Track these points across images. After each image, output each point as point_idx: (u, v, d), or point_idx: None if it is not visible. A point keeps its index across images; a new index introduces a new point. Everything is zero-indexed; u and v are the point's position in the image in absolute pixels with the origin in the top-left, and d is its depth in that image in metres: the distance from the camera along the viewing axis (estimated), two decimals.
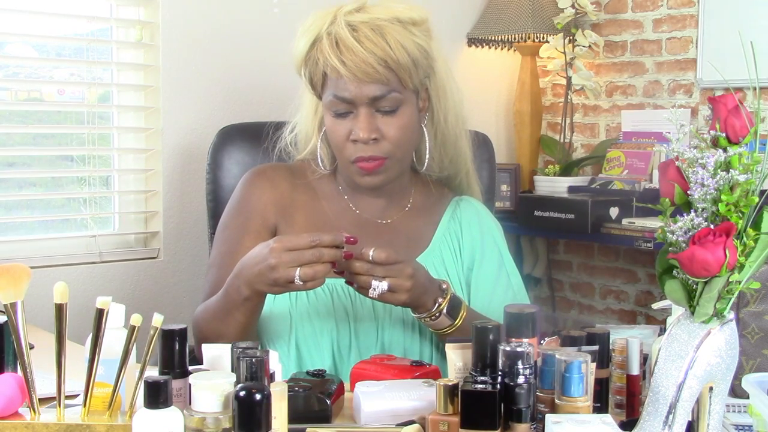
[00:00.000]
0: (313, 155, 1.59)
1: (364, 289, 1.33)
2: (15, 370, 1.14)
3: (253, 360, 0.97)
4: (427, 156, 1.56)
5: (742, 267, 0.94)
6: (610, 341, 1.15)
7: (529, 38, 2.99)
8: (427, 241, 1.57)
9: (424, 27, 1.48)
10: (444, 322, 1.40)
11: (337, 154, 1.52)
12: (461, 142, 1.61)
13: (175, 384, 1.03)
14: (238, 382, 0.96)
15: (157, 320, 1.03)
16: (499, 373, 1.03)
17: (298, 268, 1.28)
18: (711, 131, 0.97)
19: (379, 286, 1.31)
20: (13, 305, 1.05)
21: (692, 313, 0.97)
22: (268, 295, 1.40)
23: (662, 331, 1.44)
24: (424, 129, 1.55)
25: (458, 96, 1.59)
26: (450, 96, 1.57)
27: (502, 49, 3.10)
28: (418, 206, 1.60)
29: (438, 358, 1.48)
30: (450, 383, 1.04)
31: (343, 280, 1.49)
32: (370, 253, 1.31)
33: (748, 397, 1.15)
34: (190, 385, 0.97)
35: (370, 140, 1.45)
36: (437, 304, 1.38)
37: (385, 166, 1.48)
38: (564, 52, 2.94)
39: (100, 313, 1.03)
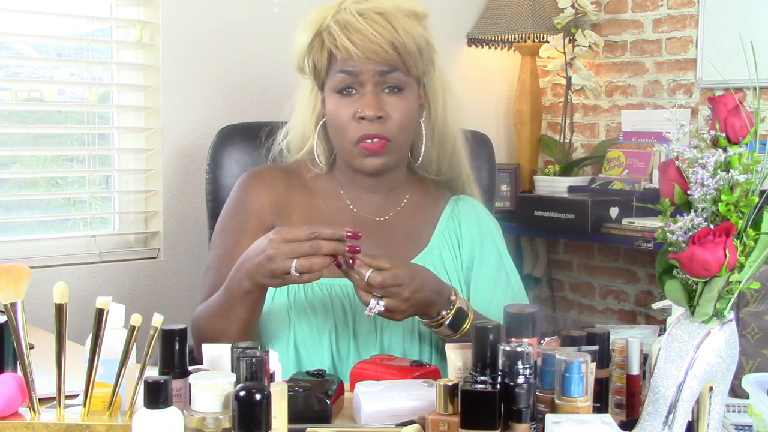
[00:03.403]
0: (309, 155, 1.59)
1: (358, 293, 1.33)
2: (15, 370, 1.14)
3: (253, 360, 0.97)
4: (423, 150, 1.56)
5: (742, 267, 0.94)
6: (610, 341, 1.15)
7: (529, 38, 2.99)
8: (426, 240, 1.57)
9: (424, 22, 1.52)
10: (444, 332, 1.40)
11: (340, 137, 1.51)
12: (459, 145, 1.61)
13: (175, 384, 1.03)
14: (238, 382, 0.96)
15: (157, 320, 1.03)
16: (499, 373, 1.03)
17: (295, 260, 1.28)
18: (711, 131, 0.97)
19: (376, 306, 1.32)
20: (13, 305, 1.05)
21: (692, 313, 0.97)
22: (267, 295, 1.41)
23: (662, 331, 1.44)
24: (423, 125, 1.55)
25: (456, 99, 1.60)
26: (448, 96, 1.58)
27: (502, 49, 3.10)
28: (415, 203, 1.60)
29: (437, 359, 1.48)
30: (450, 383, 1.04)
31: (343, 279, 1.48)
32: (366, 274, 1.30)
33: (748, 397, 1.15)
34: (190, 385, 0.97)
35: (375, 118, 1.46)
36: (440, 316, 1.38)
37: (387, 147, 1.48)
38: (564, 52, 2.94)
39: (100, 313, 1.03)
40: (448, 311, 1.38)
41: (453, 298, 1.39)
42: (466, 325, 1.40)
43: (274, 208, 1.55)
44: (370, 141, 1.47)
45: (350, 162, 1.52)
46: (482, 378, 1.02)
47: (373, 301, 1.31)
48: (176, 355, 1.07)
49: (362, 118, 1.46)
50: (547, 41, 2.98)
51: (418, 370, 1.28)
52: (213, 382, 0.94)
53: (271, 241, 1.29)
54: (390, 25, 1.45)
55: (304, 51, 1.51)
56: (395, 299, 1.31)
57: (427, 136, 1.56)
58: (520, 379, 1.01)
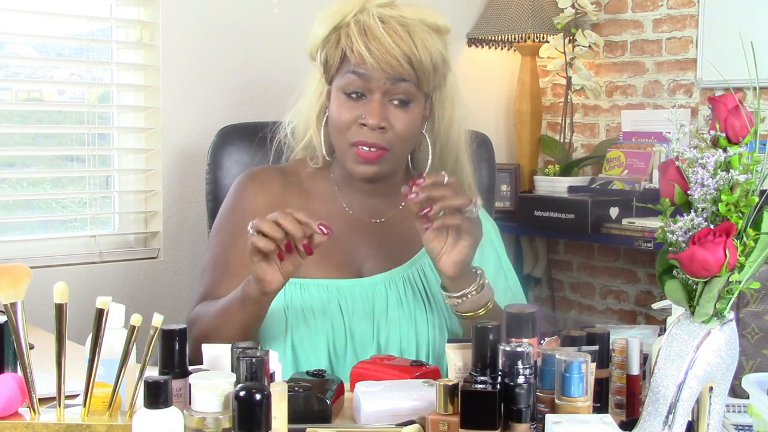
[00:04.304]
0: (308, 150, 1.59)
1: (451, 218, 1.32)
2: (15, 370, 1.14)
3: (253, 360, 0.97)
4: (429, 162, 1.56)
5: (742, 267, 0.94)
6: (610, 341, 1.15)
7: (529, 38, 3.00)
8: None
9: (445, 37, 1.51)
10: (486, 295, 1.39)
11: (338, 137, 1.50)
12: (462, 157, 1.61)
13: (175, 384, 1.03)
14: (238, 382, 0.96)
15: (157, 320, 1.03)
16: (499, 373, 1.03)
17: (252, 241, 1.29)
18: (711, 131, 0.97)
19: (478, 202, 1.35)
20: (13, 305, 1.05)
21: (692, 313, 0.97)
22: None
23: (662, 331, 1.44)
24: (426, 136, 1.55)
25: (464, 111, 1.59)
26: (456, 110, 1.57)
27: (502, 49, 3.10)
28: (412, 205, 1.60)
29: (434, 359, 1.48)
30: (450, 383, 1.04)
31: (339, 280, 1.48)
32: (445, 177, 1.31)
33: (748, 397, 1.15)
34: (190, 385, 0.97)
35: (377, 128, 1.45)
36: (478, 277, 1.38)
37: (383, 158, 1.47)
38: (564, 52, 2.94)
39: (100, 313, 1.03)
40: (481, 277, 1.39)
41: (479, 272, 1.40)
42: (491, 302, 1.41)
43: (270, 210, 1.54)
44: (366, 149, 1.46)
45: (345, 164, 1.52)
46: (482, 378, 1.02)
47: (474, 198, 1.34)
48: (176, 355, 1.07)
49: (364, 125, 1.45)
50: (547, 41, 2.98)
51: (418, 370, 1.28)
52: (213, 382, 0.94)
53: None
54: (410, 38, 1.43)
55: (319, 44, 1.50)
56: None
57: (432, 146, 1.56)
58: (520, 379, 1.01)
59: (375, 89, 1.45)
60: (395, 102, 1.46)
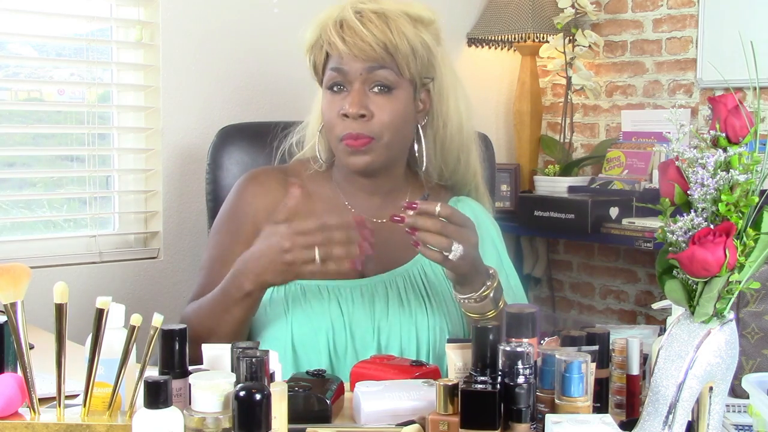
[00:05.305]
0: (312, 152, 1.60)
1: (432, 251, 1.31)
2: (15, 370, 1.14)
3: (253, 360, 0.97)
4: (425, 157, 1.55)
5: (742, 267, 0.94)
6: (610, 341, 1.15)
7: (529, 38, 3.00)
8: None
9: (431, 28, 1.51)
10: (487, 306, 1.38)
11: (329, 135, 1.52)
12: (464, 156, 1.60)
13: (175, 384, 1.03)
14: (238, 382, 0.96)
15: (157, 320, 1.03)
16: (499, 373, 1.03)
17: (316, 249, 1.29)
18: (711, 131, 0.97)
19: (458, 248, 1.30)
20: (13, 305, 1.05)
21: (692, 313, 0.97)
22: (263, 298, 1.41)
23: (662, 331, 1.44)
24: (420, 129, 1.55)
25: (466, 110, 1.59)
26: (453, 105, 1.57)
27: (502, 49, 3.11)
28: None
29: (435, 359, 1.48)
30: (450, 383, 1.04)
31: (337, 281, 1.48)
32: (437, 208, 1.30)
33: (748, 397, 1.15)
34: (190, 385, 0.97)
35: (358, 116, 1.45)
36: (484, 287, 1.37)
37: (370, 146, 1.47)
38: (564, 52, 2.94)
39: (100, 313, 1.03)
40: (492, 281, 1.38)
41: (492, 272, 1.39)
42: (503, 301, 1.40)
43: (270, 214, 1.54)
44: (353, 139, 1.47)
45: (340, 161, 1.53)
46: (482, 378, 1.02)
47: (455, 244, 1.30)
48: (176, 355, 1.07)
49: (346, 116, 1.46)
50: (547, 41, 2.98)
51: (418, 370, 1.28)
52: (213, 382, 0.94)
53: (284, 235, 1.31)
54: (386, 25, 1.44)
55: (307, 49, 1.52)
56: (466, 244, 1.31)
57: (428, 141, 1.56)
58: (520, 379, 1.01)
59: (354, 80, 1.46)
60: (376, 89, 1.47)
